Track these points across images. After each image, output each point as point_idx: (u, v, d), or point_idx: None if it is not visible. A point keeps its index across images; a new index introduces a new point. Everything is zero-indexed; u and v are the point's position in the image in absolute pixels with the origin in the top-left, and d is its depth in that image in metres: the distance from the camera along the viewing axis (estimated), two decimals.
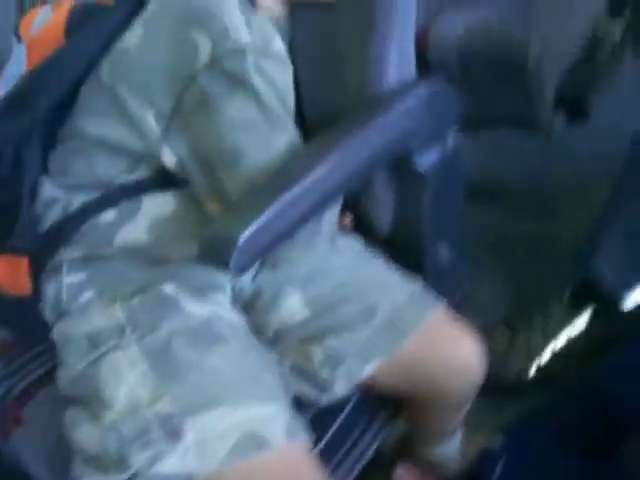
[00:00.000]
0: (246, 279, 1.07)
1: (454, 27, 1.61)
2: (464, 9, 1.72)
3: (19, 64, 1.13)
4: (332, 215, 1.08)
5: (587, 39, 1.68)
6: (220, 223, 0.89)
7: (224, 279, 1.05)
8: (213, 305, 1.03)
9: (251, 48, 0.98)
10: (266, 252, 0.87)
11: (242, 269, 0.83)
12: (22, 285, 1.07)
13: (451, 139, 1.12)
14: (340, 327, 1.06)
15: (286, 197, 0.86)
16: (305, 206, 0.89)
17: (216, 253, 0.84)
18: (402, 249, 1.15)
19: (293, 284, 1.08)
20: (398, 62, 1.10)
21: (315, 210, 0.93)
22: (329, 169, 0.90)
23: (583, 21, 1.68)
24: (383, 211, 1.15)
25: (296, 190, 0.87)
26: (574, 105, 1.62)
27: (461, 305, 1.21)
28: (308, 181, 0.88)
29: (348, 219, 1.18)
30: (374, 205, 1.15)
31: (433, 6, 1.70)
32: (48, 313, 1.07)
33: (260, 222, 0.83)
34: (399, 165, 1.06)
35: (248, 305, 1.09)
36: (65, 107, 1.07)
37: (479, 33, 1.58)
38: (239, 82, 0.98)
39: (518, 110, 1.60)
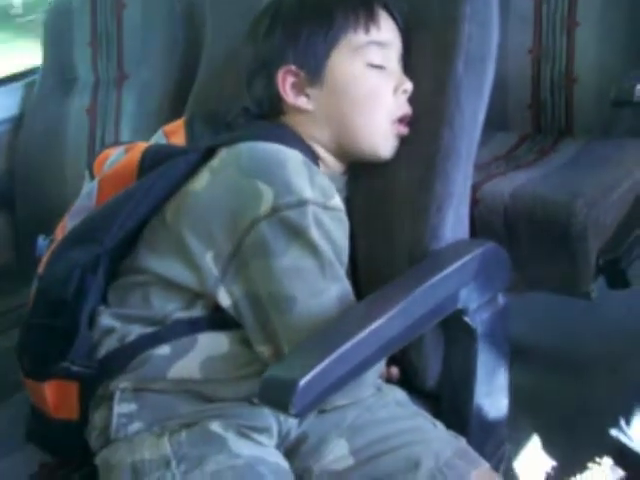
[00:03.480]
0: (293, 423, 1.08)
1: (501, 192, 1.66)
2: (511, 172, 1.79)
3: (89, 199, 1.18)
4: (379, 366, 1.10)
5: (631, 207, 1.73)
6: (282, 366, 0.91)
7: (271, 422, 1.06)
8: (259, 447, 1.04)
9: (312, 202, 1.03)
10: (323, 398, 0.89)
11: (301, 412, 0.85)
12: (70, 410, 1.09)
13: (501, 298, 1.14)
14: (382, 478, 1.06)
15: (344, 347, 0.89)
16: (360, 357, 0.92)
17: (277, 395, 0.86)
18: (448, 404, 1.16)
19: (339, 432, 1.09)
20: (453, 222, 1.14)
21: (369, 362, 0.96)
22: (386, 323, 0.94)
23: (628, 192, 1.72)
24: (431, 365, 1.16)
25: (353, 342, 0.90)
26: (615, 271, 1.65)
27: (501, 465, 1.20)
28: (365, 334, 0.91)
29: (395, 371, 1.20)
30: (422, 358, 1.16)
31: (481, 169, 1.77)
32: (94, 439, 1.08)
33: (320, 368, 0.86)
34: (449, 321, 1.09)
35: (293, 448, 1.09)
36: (129, 242, 1.12)
37: (525, 200, 1.63)
38: (298, 233, 1.02)
39: (560, 274, 1.63)
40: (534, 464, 1.74)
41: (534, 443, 1.78)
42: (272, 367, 0.90)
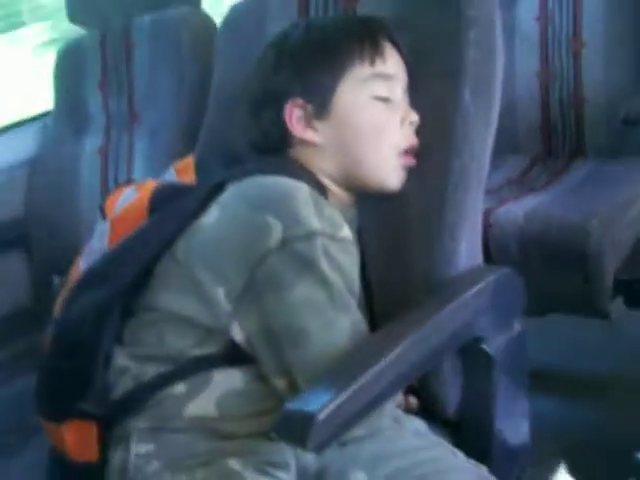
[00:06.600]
0: (311, 457, 1.07)
1: (515, 215, 1.66)
2: (524, 196, 1.78)
3: (102, 239, 1.19)
4: (397, 397, 1.09)
5: None
6: (299, 400, 0.90)
7: (289, 456, 1.05)
8: None
9: (320, 233, 1.03)
10: (341, 433, 0.88)
11: (318, 448, 0.84)
12: (90, 451, 1.09)
13: (517, 324, 1.13)
14: None
15: (362, 380, 0.89)
16: (378, 389, 0.92)
17: (294, 430, 0.85)
18: (468, 432, 1.14)
19: (358, 464, 1.07)
20: (467, 249, 1.13)
21: (387, 393, 0.95)
22: (402, 354, 0.94)
23: None
24: (449, 393, 1.15)
25: (370, 373, 0.90)
26: (633, 291, 1.64)
27: None
28: (382, 365, 0.91)
29: (413, 401, 1.19)
30: (440, 387, 1.15)
31: (493, 193, 1.77)
32: None
33: (337, 402, 0.85)
34: (467, 348, 1.08)
35: None
36: (143, 281, 1.11)
37: (539, 222, 1.63)
38: (308, 265, 1.02)
39: (577, 295, 1.62)
40: None
41: (559, 469, 1.76)
42: (289, 402, 0.89)
